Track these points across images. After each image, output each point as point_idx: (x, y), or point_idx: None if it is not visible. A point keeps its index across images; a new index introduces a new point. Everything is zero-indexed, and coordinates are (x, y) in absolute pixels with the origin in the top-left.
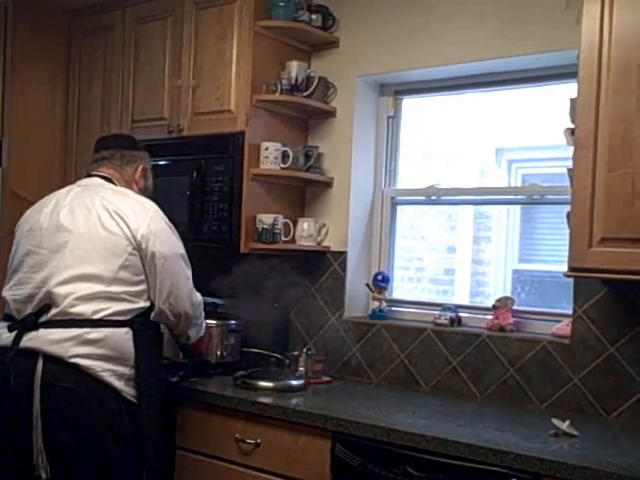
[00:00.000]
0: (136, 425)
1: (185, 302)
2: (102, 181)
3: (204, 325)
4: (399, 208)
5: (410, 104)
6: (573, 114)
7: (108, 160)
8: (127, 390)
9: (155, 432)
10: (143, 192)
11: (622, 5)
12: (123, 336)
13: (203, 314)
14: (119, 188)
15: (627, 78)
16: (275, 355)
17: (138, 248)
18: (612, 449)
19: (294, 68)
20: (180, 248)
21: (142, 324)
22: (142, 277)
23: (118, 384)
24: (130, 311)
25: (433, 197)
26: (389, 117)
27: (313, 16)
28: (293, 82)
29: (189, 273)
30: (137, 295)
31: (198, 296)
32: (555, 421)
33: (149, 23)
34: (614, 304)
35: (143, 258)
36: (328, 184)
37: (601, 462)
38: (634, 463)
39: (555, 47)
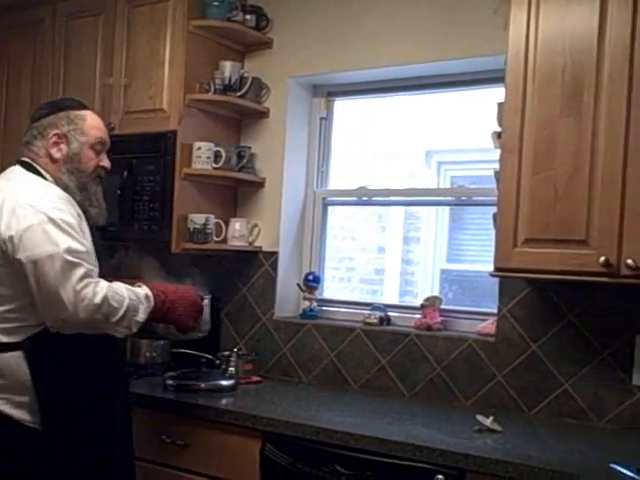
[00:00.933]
0: (52, 453)
1: (66, 308)
2: (19, 169)
3: (135, 318)
4: (330, 209)
5: (342, 105)
6: (500, 118)
7: (25, 144)
8: (29, 419)
9: (73, 460)
10: (66, 163)
11: (547, 13)
12: (11, 361)
13: (122, 310)
14: (28, 176)
15: (551, 85)
16: (205, 356)
17: (4, 256)
18: (533, 443)
19: (228, 68)
20: (59, 246)
21: (39, 343)
22: (22, 289)
23: (16, 413)
24: (18, 330)
25: (364, 198)
26: (321, 118)
27: (247, 16)
28: (226, 82)
29: (71, 274)
30: (21, 310)
31: (98, 294)
32: (479, 417)
33: (80, 19)
34: (537, 303)
35: (14, 266)
36: (260, 184)
37: (523, 456)
38: (553, 456)
39: (484, 52)
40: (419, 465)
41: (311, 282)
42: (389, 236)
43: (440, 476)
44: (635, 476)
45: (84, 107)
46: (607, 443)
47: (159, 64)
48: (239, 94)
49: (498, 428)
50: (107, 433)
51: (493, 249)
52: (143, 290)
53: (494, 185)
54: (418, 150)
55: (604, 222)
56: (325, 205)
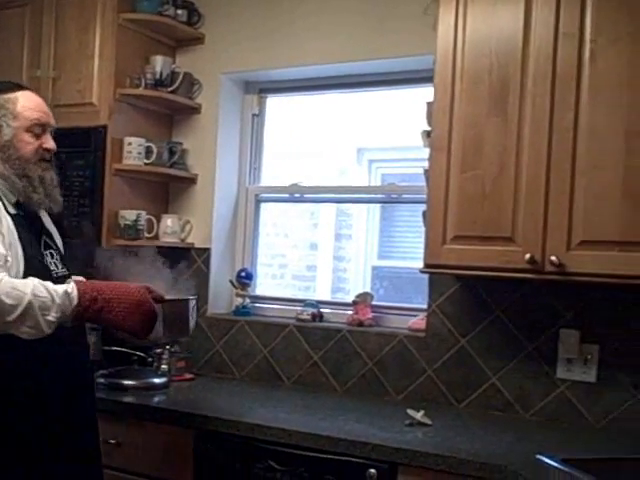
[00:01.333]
0: None
1: None
2: None
3: (47, 318)
4: (263, 205)
5: (275, 102)
6: (429, 117)
7: None
8: None
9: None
10: (1, 151)
11: (475, 15)
12: None
13: (20, 307)
14: None
15: (479, 85)
16: (138, 353)
17: None
18: (462, 436)
19: (159, 63)
20: None
21: None
22: None
23: None
24: None
25: (296, 195)
26: (254, 115)
27: (179, 11)
28: (158, 77)
29: None
30: None
31: None
32: (410, 411)
33: (6, 10)
34: (466, 299)
35: None
36: (192, 180)
37: (452, 449)
38: (481, 448)
39: (414, 52)
40: (352, 460)
41: (244, 279)
42: (321, 233)
43: (372, 470)
44: (559, 466)
45: (18, 88)
46: (533, 434)
47: (88, 57)
48: (170, 89)
49: (428, 422)
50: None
51: (423, 246)
52: (64, 286)
53: (424, 183)
54: (349, 148)
55: (529, 220)
56: (257, 202)
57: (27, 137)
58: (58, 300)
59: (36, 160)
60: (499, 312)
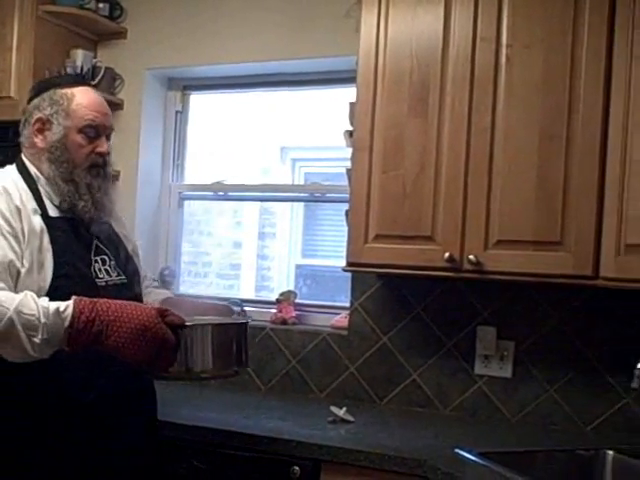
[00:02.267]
0: None
1: None
2: (9, 167)
3: (33, 339)
4: (186, 203)
5: (199, 100)
6: (352, 117)
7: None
8: None
9: None
10: (49, 152)
11: (396, 17)
12: None
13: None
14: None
15: (400, 86)
16: None
17: None
18: (384, 432)
19: (79, 57)
20: None
21: None
22: None
23: None
24: None
25: (220, 193)
26: (177, 112)
27: (100, 5)
28: (78, 71)
29: None
30: None
31: None
32: (333, 409)
33: None
34: (387, 297)
35: None
36: (114, 177)
37: (374, 445)
38: (402, 444)
39: (337, 52)
40: (276, 458)
41: (167, 277)
42: (245, 231)
43: (296, 467)
44: (476, 459)
45: (77, 83)
46: (451, 429)
47: (6, 49)
48: (92, 84)
49: (351, 418)
50: None
51: (345, 245)
52: (57, 304)
53: (346, 182)
54: (273, 146)
55: (448, 220)
56: (181, 199)
57: (79, 139)
58: (44, 319)
59: (87, 166)
60: (420, 310)
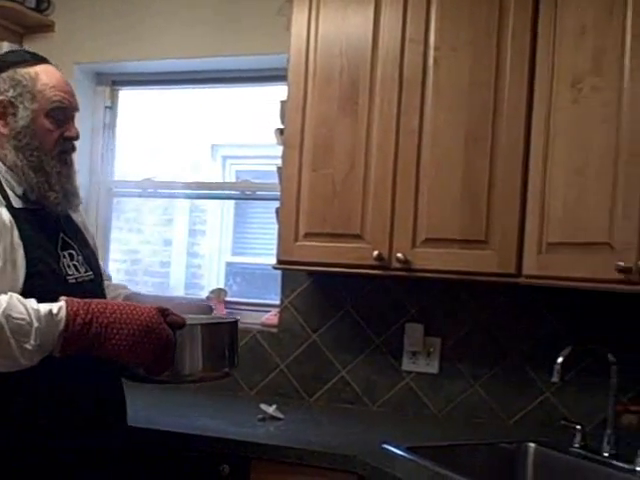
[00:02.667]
0: None
1: None
2: None
3: (24, 345)
4: (115, 200)
5: (129, 95)
6: (283, 115)
7: None
8: None
9: None
10: (14, 139)
11: (327, 17)
12: None
13: None
14: None
15: (330, 85)
16: None
17: None
18: (313, 429)
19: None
20: None
21: None
22: None
23: None
24: None
25: (150, 190)
26: (106, 107)
27: None
28: None
29: None
30: None
31: None
32: (263, 406)
33: None
34: (317, 294)
35: None
36: None
37: (304, 441)
38: (332, 440)
39: (268, 50)
40: (205, 456)
41: None
42: (175, 229)
43: (225, 465)
44: (404, 454)
45: (38, 60)
46: (380, 425)
47: None
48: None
49: (280, 416)
50: None
51: (276, 243)
52: (49, 306)
53: (277, 180)
54: (204, 144)
55: (377, 218)
56: (110, 196)
57: (47, 123)
58: (37, 323)
59: (57, 152)
60: (349, 307)
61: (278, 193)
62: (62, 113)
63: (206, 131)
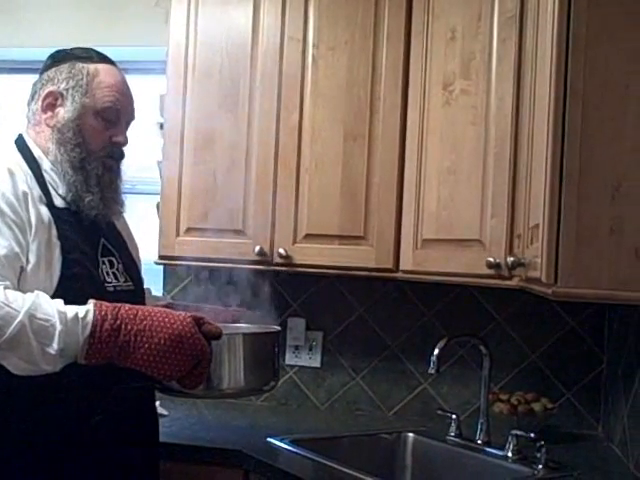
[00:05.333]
0: None
1: None
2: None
3: (46, 349)
4: None
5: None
6: (163, 109)
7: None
8: None
9: None
10: (59, 132)
11: (206, 12)
12: None
13: (8, 330)
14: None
15: (211, 80)
16: None
17: None
18: (198, 425)
19: None
20: None
21: None
22: None
23: None
24: None
25: None
26: None
27: None
28: None
29: None
30: None
31: None
32: None
33: None
34: (200, 290)
35: None
36: None
37: (189, 437)
38: (217, 436)
39: (147, 42)
40: None
41: None
42: None
43: None
44: (288, 447)
45: (103, 60)
46: (265, 419)
47: None
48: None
49: (165, 412)
50: None
51: (157, 238)
52: (76, 309)
53: (158, 174)
54: None
55: (259, 214)
56: None
57: (96, 122)
58: (61, 326)
59: (101, 155)
60: (230, 302)
61: (159, 187)
62: (114, 115)
63: None
